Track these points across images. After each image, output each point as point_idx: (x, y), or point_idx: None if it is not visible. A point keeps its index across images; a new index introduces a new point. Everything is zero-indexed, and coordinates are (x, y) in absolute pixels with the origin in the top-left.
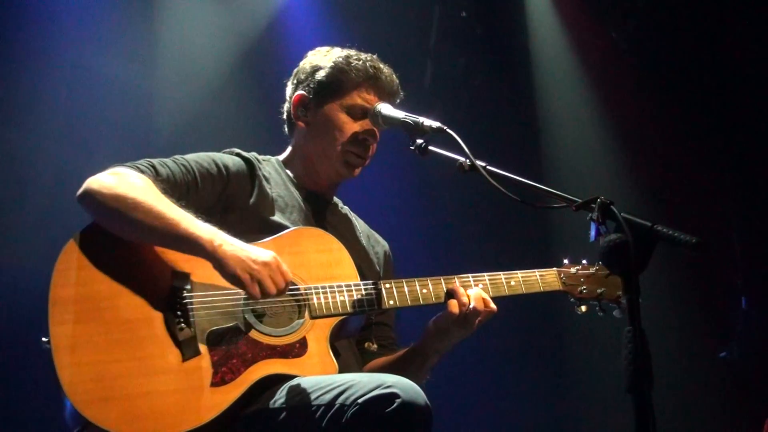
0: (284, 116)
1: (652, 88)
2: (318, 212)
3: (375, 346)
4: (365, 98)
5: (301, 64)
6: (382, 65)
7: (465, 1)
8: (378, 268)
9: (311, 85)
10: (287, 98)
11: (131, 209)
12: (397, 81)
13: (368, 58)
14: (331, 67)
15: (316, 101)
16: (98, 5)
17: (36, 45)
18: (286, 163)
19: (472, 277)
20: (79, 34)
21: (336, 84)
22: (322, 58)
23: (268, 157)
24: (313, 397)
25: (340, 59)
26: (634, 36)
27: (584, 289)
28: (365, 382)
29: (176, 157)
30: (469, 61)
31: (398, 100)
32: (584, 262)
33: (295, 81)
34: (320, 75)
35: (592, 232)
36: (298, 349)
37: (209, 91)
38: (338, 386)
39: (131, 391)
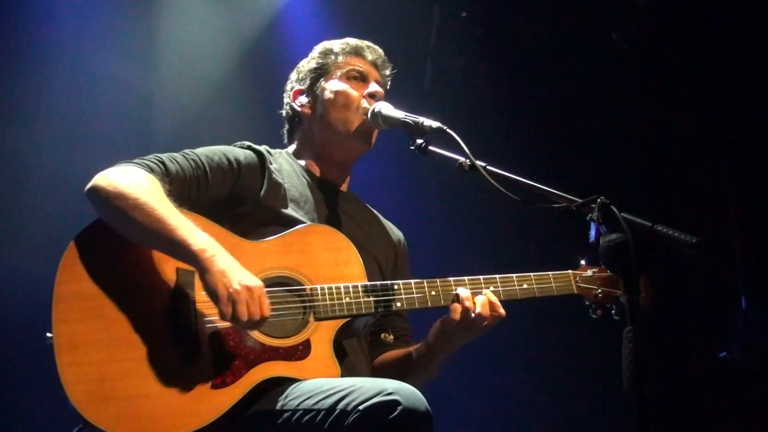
0: (284, 118)
1: (653, 88)
2: (331, 201)
3: (391, 337)
4: (355, 64)
5: (291, 73)
6: (361, 41)
7: (465, 1)
8: (395, 255)
9: (305, 76)
10: (285, 102)
11: (132, 209)
12: (382, 51)
13: (346, 39)
14: (318, 54)
15: (313, 85)
16: (98, 5)
17: (36, 45)
18: (296, 154)
19: (483, 278)
20: (79, 34)
21: (326, 64)
22: (307, 57)
23: (279, 150)
24: (313, 401)
25: (322, 46)
26: (634, 36)
27: (600, 292)
28: (366, 388)
29: (186, 151)
30: (469, 61)
31: (389, 71)
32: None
33: (290, 86)
34: (311, 64)
35: (592, 232)
36: (302, 351)
37: (209, 91)
38: (339, 391)
39: (131, 392)
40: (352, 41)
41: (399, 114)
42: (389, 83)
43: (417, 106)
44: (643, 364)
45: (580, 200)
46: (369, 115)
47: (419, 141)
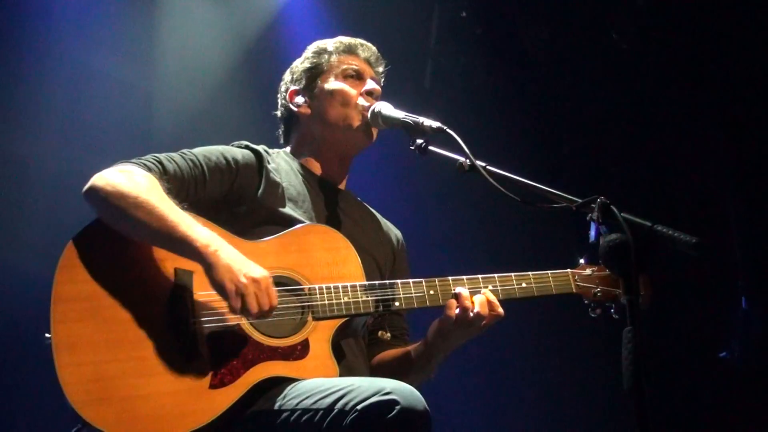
0: (279, 118)
1: (653, 88)
2: (330, 200)
3: (388, 335)
4: (350, 62)
5: (285, 74)
6: (354, 39)
7: (465, 1)
8: (393, 253)
9: (300, 77)
10: (280, 104)
11: (133, 208)
12: (375, 48)
13: (339, 37)
14: (312, 53)
15: (309, 85)
16: (98, 5)
17: (36, 45)
18: (294, 153)
19: (482, 277)
20: (79, 33)
21: (320, 64)
22: (300, 57)
23: (277, 149)
24: (312, 400)
25: (316, 46)
26: (634, 36)
27: (599, 291)
28: (364, 388)
29: (184, 151)
30: (469, 61)
31: (382, 68)
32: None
33: (284, 87)
34: (305, 64)
35: (592, 232)
36: (300, 351)
37: (209, 91)
38: (337, 390)
39: (130, 392)
40: (345, 39)
41: (399, 114)
42: (383, 80)
43: (417, 106)
44: (643, 364)
45: (580, 200)
46: (369, 114)
47: (419, 141)
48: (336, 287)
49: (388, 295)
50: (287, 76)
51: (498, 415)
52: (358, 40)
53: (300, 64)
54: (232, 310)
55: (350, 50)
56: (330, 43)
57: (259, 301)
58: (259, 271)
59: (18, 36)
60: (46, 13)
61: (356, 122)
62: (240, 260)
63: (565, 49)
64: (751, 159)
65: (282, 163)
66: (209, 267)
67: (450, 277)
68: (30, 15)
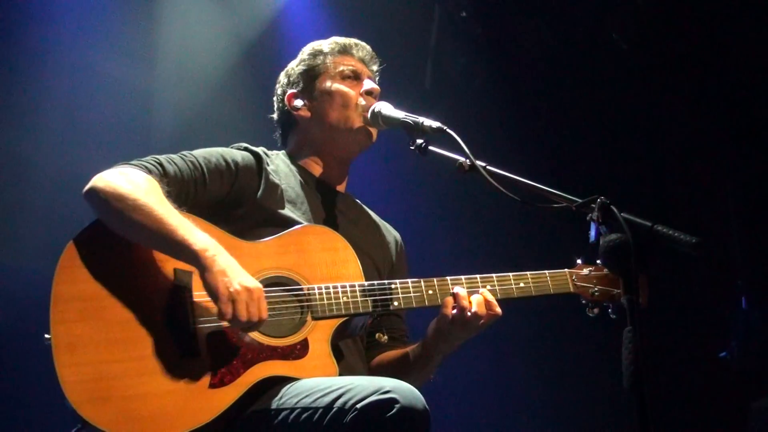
0: (276, 121)
1: (653, 88)
2: (328, 202)
3: (386, 337)
4: (347, 63)
5: (280, 77)
6: (348, 39)
7: (465, 1)
8: (392, 255)
9: (297, 79)
10: (277, 107)
11: (131, 210)
12: (369, 47)
13: (333, 38)
14: (308, 55)
15: (307, 87)
16: (98, 5)
17: (36, 45)
18: (292, 155)
19: (480, 277)
20: (79, 33)
21: (317, 66)
22: (295, 59)
23: (276, 151)
24: (311, 399)
25: (310, 47)
26: (634, 36)
27: (597, 291)
28: (364, 386)
29: (184, 153)
30: (469, 61)
31: (377, 67)
32: (598, 262)
33: (281, 90)
34: (301, 67)
35: (592, 232)
36: (299, 350)
37: (209, 91)
38: (337, 389)
39: (129, 391)
40: (340, 40)
41: (399, 114)
42: (378, 78)
43: (417, 106)
44: (643, 363)
45: (580, 200)
46: (369, 114)
47: (419, 141)
48: (335, 287)
49: (387, 295)
50: (283, 79)
51: (498, 414)
52: (352, 40)
53: (296, 67)
54: (222, 315)
55: (345, 51)
56: (325, 44)
57: (249, 310)
58: (252, 282)
59: (18, 36)
60: (46, 13)
61: (357, 124)
62: (236, 268)
63: (564, 49)
64: (752, 159)
65: (281, 165)
66: (205, 270)
67: (448, 277)
68: (30, 15)
